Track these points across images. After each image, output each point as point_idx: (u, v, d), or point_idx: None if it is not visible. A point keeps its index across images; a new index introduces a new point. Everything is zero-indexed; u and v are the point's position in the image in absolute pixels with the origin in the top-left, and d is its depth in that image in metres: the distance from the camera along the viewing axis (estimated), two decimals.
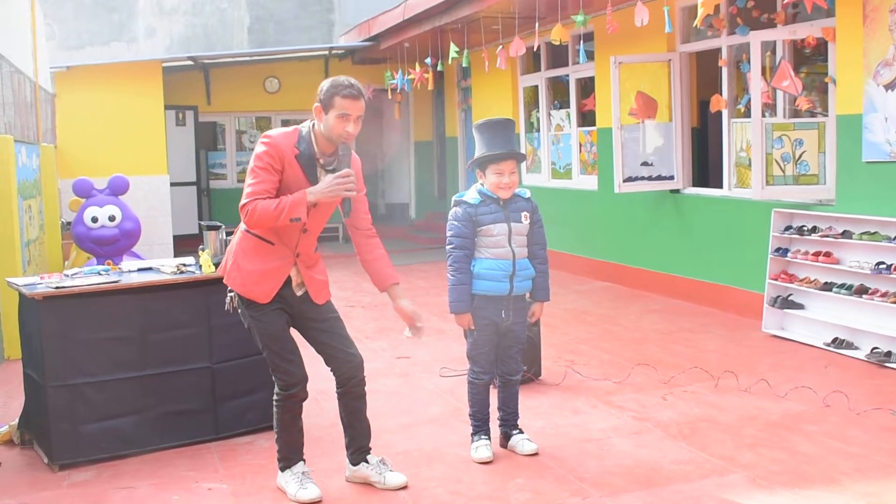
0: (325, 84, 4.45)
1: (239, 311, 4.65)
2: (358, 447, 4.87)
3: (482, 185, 5.18)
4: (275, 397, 4.66)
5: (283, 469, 4.77)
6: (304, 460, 4.79)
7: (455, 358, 7.35)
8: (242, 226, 4.59)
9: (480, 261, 5.11)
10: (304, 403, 4.75)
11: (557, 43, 9.37)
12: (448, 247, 5.17)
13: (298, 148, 4.45)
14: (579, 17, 9.16)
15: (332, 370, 4.75)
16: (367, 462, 4.86)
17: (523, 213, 5.17)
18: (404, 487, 4.80)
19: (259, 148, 4.44)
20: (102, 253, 10.14)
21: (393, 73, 14.44)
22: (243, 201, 4.39)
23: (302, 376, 4.63)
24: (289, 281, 4.59)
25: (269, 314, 4.55)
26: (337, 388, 4.78)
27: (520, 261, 5.13)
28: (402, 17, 12.76)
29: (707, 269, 9.58)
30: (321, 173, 4.49)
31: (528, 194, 5.26)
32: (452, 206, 5.22)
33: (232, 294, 4.64)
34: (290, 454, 4.75)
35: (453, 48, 11.65)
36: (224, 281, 4.64)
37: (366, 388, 4.85)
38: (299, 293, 4.64)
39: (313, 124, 4.53)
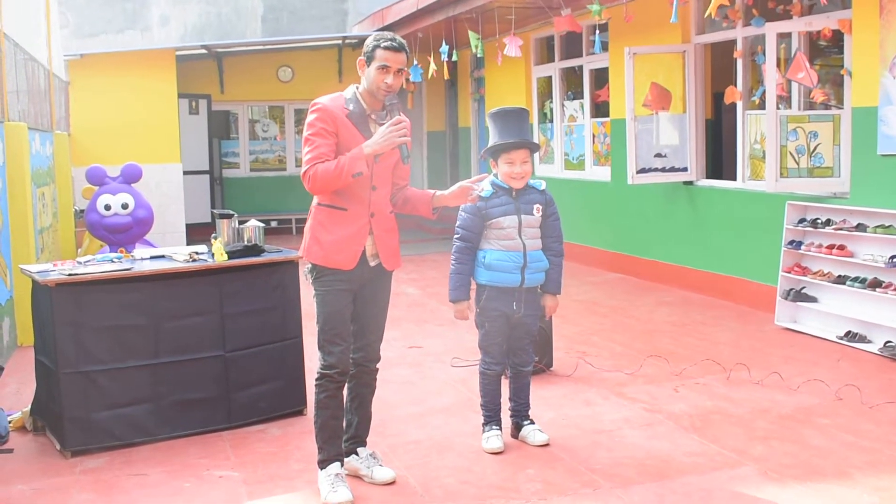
0: (369, 39, 4.52)
1: (311, 283, 4.64)
2: (353, 435, 4.84)
3: (495, 175, 5.18)
4: (315, 375, 4.62)
5: (321, 466, 4.65)
6: (341, 461, 4.67)
7: (466, 348, 7.35)
8: (314, 202, 4.60)
9: (490, 252, 5.10)
10: None
11: (597, 15, 9.29)
12: (454, 236, 5.20)
13: (348, 107, 4.50)
14: (595, 7, 9.13)
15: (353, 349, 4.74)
16: (356, 454, 4.83)
17: (535, 206, 5.15)
18: (392, 483, 4.76)
19: (310, 116, 4.49)
20: (115, 241, 10.17)
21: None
22: (304, 168, 4.42)
23: (344, 363, 4.58)
24: (363, 253, 4.59)
25: (335, 293, 4.55)
26: (350, 369, 4.77)
27: (531, 253, 5.12)
28: (415, 6, 12.73)
29: (720, 262, 9.55)
30: (374, 128, 4.54)
31: (543, 186, 5.24)
32: None
33: (308, 267, 4.63)
34: (325, 443, 4.61)
35: (473, 36, 11.62)
36: (304, 258, 4.63)
37: (377, 381, 4.86)
38: (373, 264, 4.63)
39: (357, 86, 4.60)
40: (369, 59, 4.49)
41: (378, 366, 4.81)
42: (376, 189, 4.57)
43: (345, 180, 4.38)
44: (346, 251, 4.52)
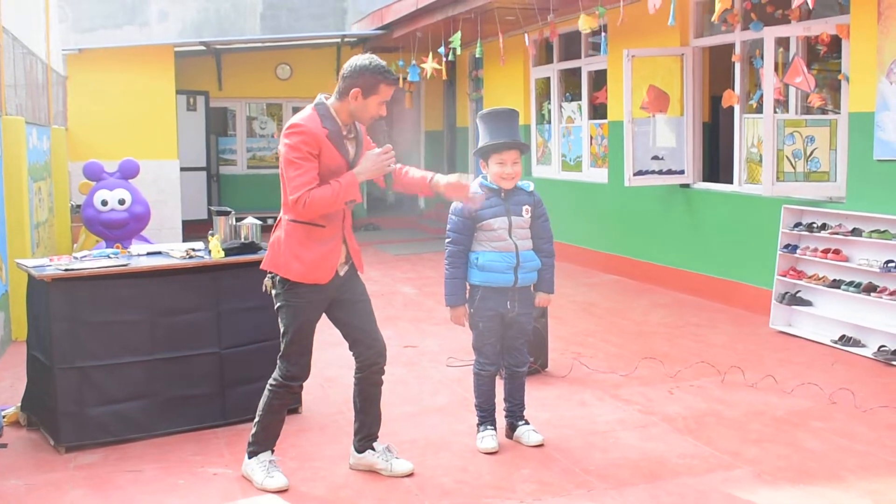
0: (365, 68, 4.47)
1: (274, 293, 4.64)
2: (366, 434, 4.89)
3: (484, 176, 5.19)
4: (272, 382, 4.69)
5: (250, 456, 4.79)
6: (272, 450, 4.82)
7: (462, 348, 7.35)
8: (286, 217, 4.58)
9: (483, 253, 5.12)
10: (310, 391, 4.80)
11: (587, 31, 9.34)
12: (446, 240, 5.23)
13: (326, 127, 4.49)
14: (600, 9, 9.15)
15: (354, 354, 4.78)
16: (373, 449, 4.88)
17: (524, 207, 5.17)
18: (410, 474, 4.82)
19: (293, 138, 4.42)
20: (112, 236, 10.16)
21: (405, 62, 14.42)
22: (296, 194, 4.37)
23: (306, 373, 4.71)
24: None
25: (308, 305, 4.58)
26: (356, 372, 4.81)
27: (523, 252, 5.13)
28: (415, 6, 12.73)
29: (716, 265, 9.57)
30: (349, 144, 4.59)
31: (531, 188, 5.26)
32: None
33: (272, 277, 4.63)
34: (265, 440, 4.78)
35: (456, 38, 11.63)
36: (281, 274, 4.56)
37: (383, 378, 4.88)
38: (343, 273, 4.68)
39: (325, 98, 4.58)
40: (369, 90, 4.47)
41: (385, 363, 4.84)
42: (349, 203, 4.61)
43: (338, 206, 4.47)
44: (326, 266, 4.57)
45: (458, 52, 12.04)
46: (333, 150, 4.48)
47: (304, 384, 4.81)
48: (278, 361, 4.68)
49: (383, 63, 4.53)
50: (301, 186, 4.37)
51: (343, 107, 4.53)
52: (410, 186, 4.84)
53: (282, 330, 4.63)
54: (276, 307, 4.65)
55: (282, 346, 4.65)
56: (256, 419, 4.77)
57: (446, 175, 4.77)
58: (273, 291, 4.65)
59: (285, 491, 4.66)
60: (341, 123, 4.54)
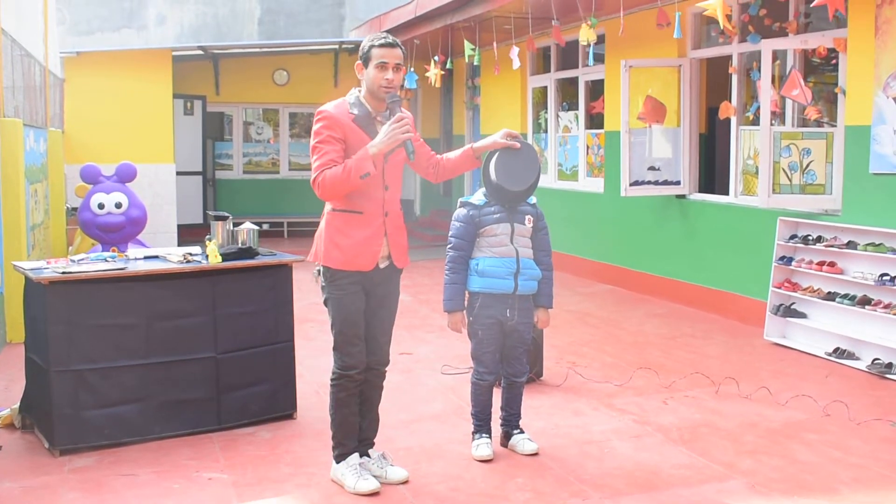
0: (364, 42, 4.61)
1: (322, 286, 4.69)
2: (363, 439, 4.89)
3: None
4: (332, 376, 4.71)
5: (338, 460, 4.78)
6: (358, 451, 4.81)
7: (457, 355, 7.36)
8: (328, 208, 4.65)
9: (483, 259, 5.13)
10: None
11: (585, 43, 9.39)
12: (447, 246, 5.24)
13: (353, 112, 4.56)
14: (593, 20, 9.17)
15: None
16: (368, 456, 4.88)
17: (527, 217, 5.19)
18: (405, 482, 4.82)
19: (316, 125, 4.55)
20: (108, 240, 10.15)
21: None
22: (313, 175, 4.48)
23: (361, 361, 4.68)
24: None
25: (350, 296, 4.61)
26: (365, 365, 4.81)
27: (524, 259, 5.14)
28: (413, 13, 12.76)
29: (711, 276, 9.59)
30: (380, 128, 4.60)
31: (534, 200, 5.30)
32: (458, 206, 5.25)
33: (319, 269, 4.69)
34: (344, 439, 4.76)
35: (468, 46, 11.65)
36: (321, 263, 4.64)
37: (384, 382, 4.89)
38: (383, 266, 4.70)
39: (358, 90, 4.67)
40: (366, 59, 4.58)
41: (385, 369, 4.87)
42: (388, 189, 4.66)
43: (353, 183, 4.45)
44: (366, 253, 4.61)
45: (476, 60, 12.05)
46: (361, 132, 4.54)
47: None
48: (333, 354, 4.70)
49: (382, 32, 4.66)
50: (318, 168, 4.47)
51: (366, 91, 4.62)
52: (459, 167, 4.97)
53: (330, 322, 4.67)
54: (323, 300, 4.70)
55: (333, 338, 4.68)
56: (330, 420, 4.76)
57: (489, 138, 4.98)
58: (321, 284, 4.70)
59: (377, 494, 4.65)
60: (371, 108, 4.61)
